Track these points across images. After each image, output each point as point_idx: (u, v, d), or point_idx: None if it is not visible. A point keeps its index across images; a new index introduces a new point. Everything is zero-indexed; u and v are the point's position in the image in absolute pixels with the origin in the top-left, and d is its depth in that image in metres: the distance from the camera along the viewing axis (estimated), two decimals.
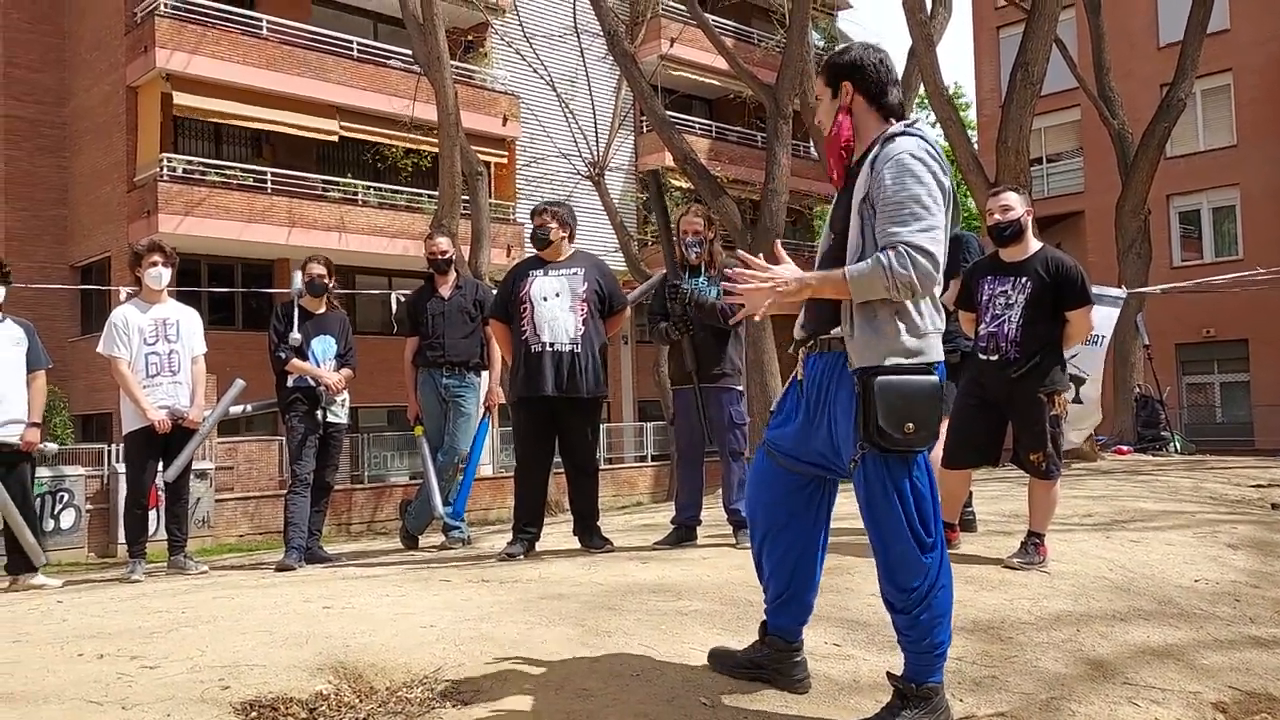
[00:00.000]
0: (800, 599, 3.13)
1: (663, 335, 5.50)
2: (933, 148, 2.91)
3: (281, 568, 5.80)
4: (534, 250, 5.76)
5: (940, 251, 2.79)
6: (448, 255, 6.56)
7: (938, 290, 2.90)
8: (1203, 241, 28.17)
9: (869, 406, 2.79)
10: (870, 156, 2.92)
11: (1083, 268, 4.89)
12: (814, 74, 14.67)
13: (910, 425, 2.78)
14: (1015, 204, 4.81)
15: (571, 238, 5.68)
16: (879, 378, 2.79)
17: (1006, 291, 4.77)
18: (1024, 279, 4.74)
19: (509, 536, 5.67)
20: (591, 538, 5.54)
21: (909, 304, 2.84)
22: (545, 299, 5.45)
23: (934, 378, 2.85)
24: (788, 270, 2.93)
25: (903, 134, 2.92)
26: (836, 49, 3.15)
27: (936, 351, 2.90)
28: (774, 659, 3.13)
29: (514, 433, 5.63)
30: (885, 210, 2.82)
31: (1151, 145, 14.65)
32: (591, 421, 5.60)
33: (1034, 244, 4.86)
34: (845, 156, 3.02)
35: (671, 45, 26.01)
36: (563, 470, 5.68)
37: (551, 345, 5.38)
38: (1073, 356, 9.23)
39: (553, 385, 5.36)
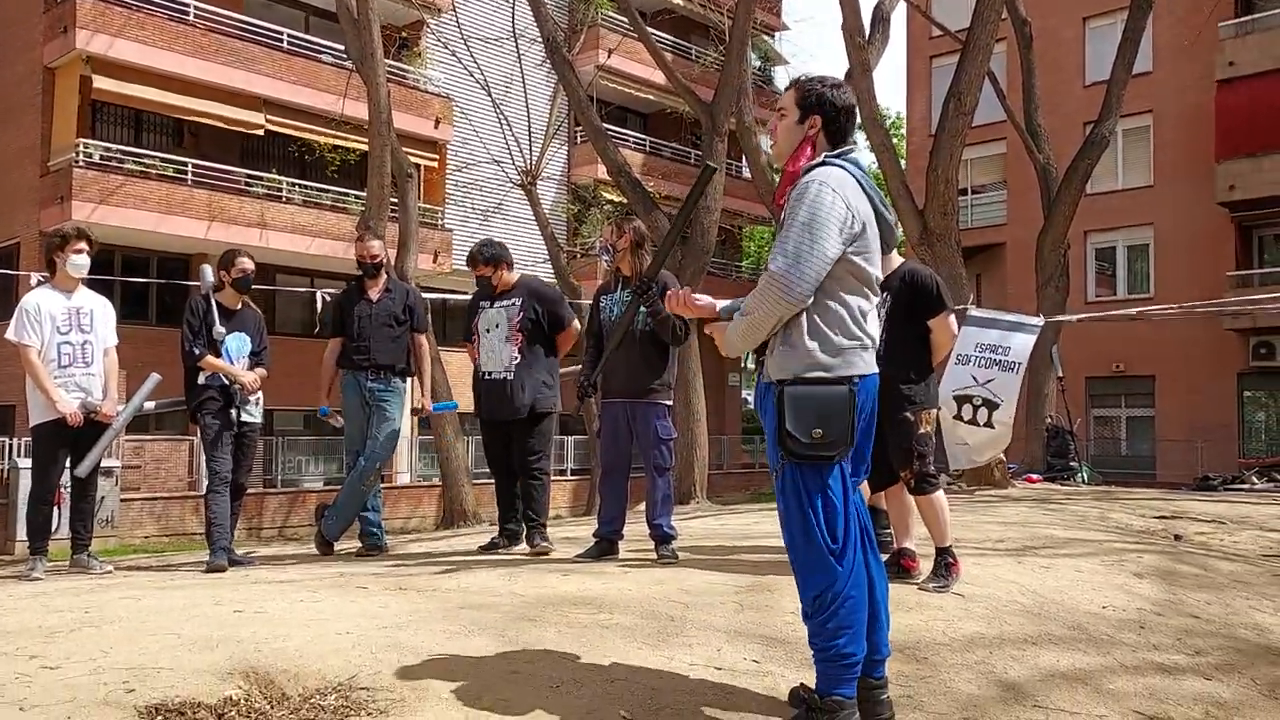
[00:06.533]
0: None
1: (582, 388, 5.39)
2: (849, 173, 3.02)
3: (213, 569, 5.57)
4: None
5: (799, 272, 2.88)
6: (379, 259, 6.42)
7: (872, 305, 3.04)
8: (1116, 278, 29.07)
9: (780, 414, 2.92)
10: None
11: (939, 277, 4.94)
12: (748, 91, 14.76)
13: (818, 431, 2.89)
14: None
15: (510, 266, 6.08)
16: (789, 387, 2.93)
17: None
18: (885, 295, 4.68)
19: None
20: (534, 537, 5.85)
21: (820, 322, 2.95)
22: (488, 330, 6.01)
23: (843, 388, 2.94)
24: (704, 299, 3.37)
25: (821, 164, 3.05)
26: (814, 76, 3.20)
27: (857, 366, 2.98)
28: (857, 695, 3.02)
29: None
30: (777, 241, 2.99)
31: (1074, 181, 14.93)
32: (531, 434, 6.00)
33: (896, 260, 4.86)
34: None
35: (609, 56, 26.05)
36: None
37: (490, 374, 5.97)
38: (989, 382, 9.45)
39: (488, 410, 6.01)
